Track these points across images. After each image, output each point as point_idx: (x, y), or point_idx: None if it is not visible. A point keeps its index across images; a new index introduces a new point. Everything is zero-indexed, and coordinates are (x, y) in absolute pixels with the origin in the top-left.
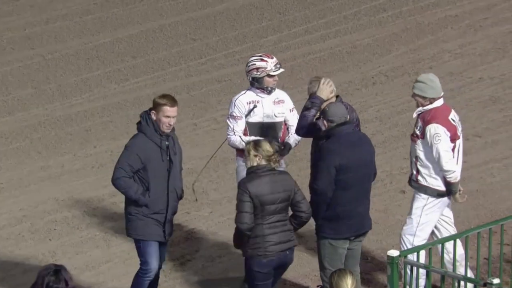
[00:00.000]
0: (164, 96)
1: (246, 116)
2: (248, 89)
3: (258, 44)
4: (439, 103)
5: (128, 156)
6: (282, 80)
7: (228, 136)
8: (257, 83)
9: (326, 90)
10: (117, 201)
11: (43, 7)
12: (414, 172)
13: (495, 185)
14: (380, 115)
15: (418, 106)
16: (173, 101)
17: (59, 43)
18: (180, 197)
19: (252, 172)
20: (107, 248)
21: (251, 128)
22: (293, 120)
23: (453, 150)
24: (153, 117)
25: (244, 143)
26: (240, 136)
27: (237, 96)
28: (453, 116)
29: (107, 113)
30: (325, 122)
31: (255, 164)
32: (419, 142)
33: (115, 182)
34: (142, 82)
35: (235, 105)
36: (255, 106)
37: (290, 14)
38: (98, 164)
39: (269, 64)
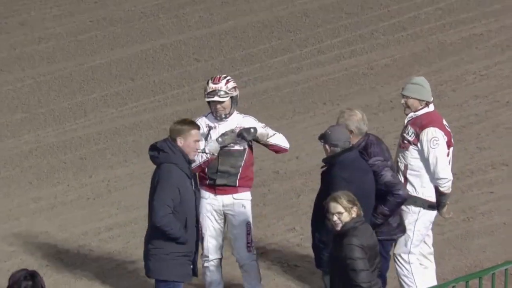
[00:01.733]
0: (183, 121)
1: (205, 140)
2: (209, 112)
3: (267, 65)
4: (432, 107)
5: (170, 190)
6: (293, 104)
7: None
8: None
9: None
10: (114, 235)
11: (35, 25)
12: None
13: None
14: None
15: (407, 110)
16: (195, 124)
17: (52, 64)
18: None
19: (352, 227)
20: (102, 286)
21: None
22: (272, 139)
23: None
24: (180, 144)
25: (203, 155)
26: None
27: (197, 119)
28: (446, 122)
29: (103, 140)
30: (327, 146)
31: (354, 215)
32: (411, 148)
33: (161, 220)
34: (142, 106)
35: None
36: (210, 129)
37: (302, 32)
38: (94, 195)
39: (207, 88)
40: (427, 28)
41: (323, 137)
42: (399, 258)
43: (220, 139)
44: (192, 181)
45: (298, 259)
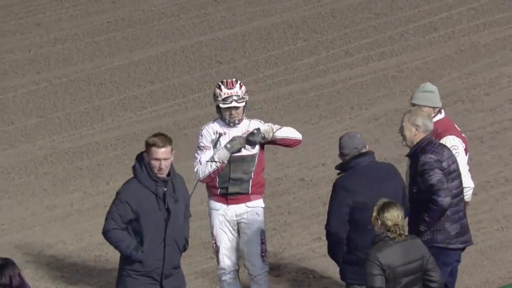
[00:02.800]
0: (155, 135)
1: (214, 147)
2: (217, 118)
3: (293, 67)
4: (443, 113)
5: (118, 205)
6: (319, 109)
7: (195, 169)
8: (217, 112)
9: None
10: None
11: (50, 26)
12: None
13: None
14: None
15: None
16: (164, 141)
17: (68, 66)
18: (183, 249)
19: (381, 240)
20: None
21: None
22: (279, 132)
23: None
24: (146, 159)
25: (212, 163)
26: (207, 161)
27: (204, 126)
28: (458, 128)
29: (121, 145)
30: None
31: (375, 227)
32: None
33: (105, 234)
34: (161, 110)
35: (202, 135)
36: (220, 135)
37: (329, 33)
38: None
39: (222, 94)
40: (460, 29)
41: None
42: None
43: (228, 145)
44: (164, 199)
45: (324, 270)
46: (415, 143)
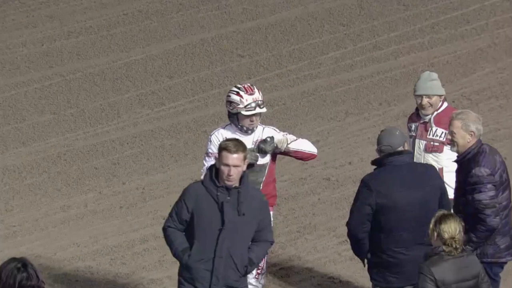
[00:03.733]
0: (230, 139)
1: None
2: (228, 124)
3: (317, 61)
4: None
5: (178, 203)
6: (346, 105)
7: (202, 177)
8: (232, 119)
9: None
10: (150, 248)
11: (64, 18)
12: None
13: None
14: None
15: (429, 110)
16: (237, 147)
17: (83, 60)
18: (243, 271)
19: (436, 254)
20: None
21: None
22: (294, 144)
23: None
24: (217, 163)
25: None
26: None
27: (214, 131)
28: None
29: (138, 143)
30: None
31: (432, 240)
32: (446, 149)
33: (163, 230)
34: (180, 106)
35: (210, 141)
36: None
37: (356, 26)
38: (128, 203)
39: (244, 101)
40: (493, 21)
41: None
42: None
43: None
44: (222, 207)
45: (351, 274)
46: (466, 148)
